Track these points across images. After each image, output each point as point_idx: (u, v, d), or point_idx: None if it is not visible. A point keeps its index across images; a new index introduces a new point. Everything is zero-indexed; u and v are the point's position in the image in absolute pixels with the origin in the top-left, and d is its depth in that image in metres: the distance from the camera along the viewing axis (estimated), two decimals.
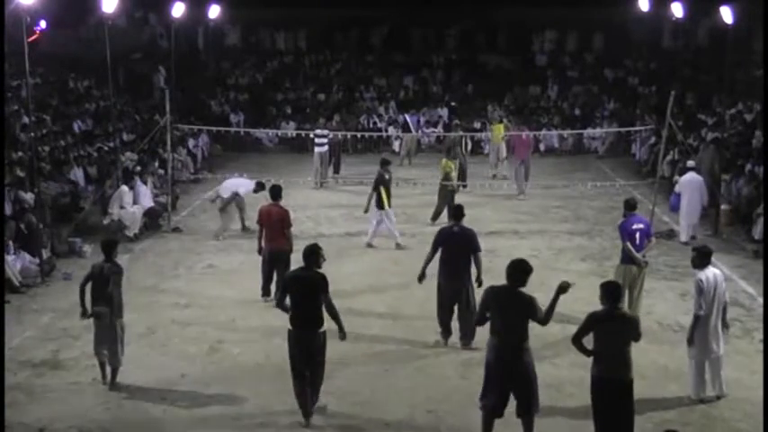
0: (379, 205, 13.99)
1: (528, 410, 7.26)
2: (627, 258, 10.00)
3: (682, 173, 15.39)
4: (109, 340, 8.49)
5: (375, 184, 14.09)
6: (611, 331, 7.00)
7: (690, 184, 14.37)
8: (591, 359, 7.07)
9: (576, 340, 7.11)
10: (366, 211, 14.27)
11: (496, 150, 20.85)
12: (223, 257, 13.58)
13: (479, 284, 9.38)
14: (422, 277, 9.80)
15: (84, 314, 8.56)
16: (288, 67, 30.99)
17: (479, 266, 9.60)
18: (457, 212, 10.07)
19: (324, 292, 7.78)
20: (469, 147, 21.67)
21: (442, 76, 30.07)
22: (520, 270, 7.28)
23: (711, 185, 15.30)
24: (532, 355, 7.30)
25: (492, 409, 7.31)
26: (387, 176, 14.33)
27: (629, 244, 9.93)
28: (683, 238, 14.36)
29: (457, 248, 9.61)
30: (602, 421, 7.08)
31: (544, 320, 7.23)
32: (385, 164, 14.59)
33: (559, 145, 25.42)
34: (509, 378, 7.22)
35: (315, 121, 25.11)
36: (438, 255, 9.74)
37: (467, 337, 9.62)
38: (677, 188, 14.78)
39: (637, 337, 7.06)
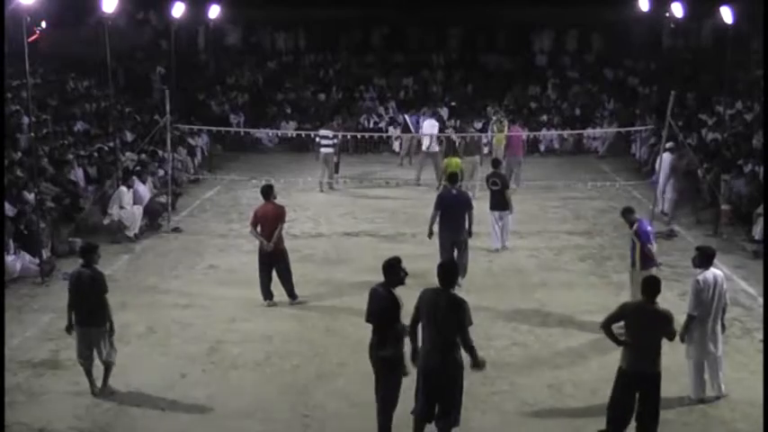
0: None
1: (445, 423, 6.99)
2: (649, 262, 9.79)
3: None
4: (96, 341, 8.32)
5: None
6: (642, 324, 7.08)
7: (663, 162, 15.56)
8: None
9: (606, 326, 7.26)
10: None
11: (500, 152, 20.91)
12: (223, 257, 13.59)
13: (470, 235, 11.72)
14: (431, 234, 11.78)
15: (69, 330, 8.46)
16: (288, 67, 31.00)
17: (471, 221, 11.65)
18: (452, 178, 12.15)
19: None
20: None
21: (442, 76, 30.08)
22: (452, 272, 7.08)
23: (688, 187, 15.38)
24: (462, 365, 6.94)
25: (419, 416, 7.07)
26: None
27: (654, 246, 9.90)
28: (659, 207, 15.45)
29: (455, 207, 11.57)
30: (616, 411, 7.20)
31: (467, 338, 6.81)
32: (497, 165, 14.65)
33: (559, 145, 25.44)
34: (434, 387, 6.92)
35: (315, 122, 25.14)
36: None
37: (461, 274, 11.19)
38: (656, 167, 15.68)
39: (670, 334, 7.18)
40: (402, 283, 7.28)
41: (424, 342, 6.96)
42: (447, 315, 6.84)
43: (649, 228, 10.09)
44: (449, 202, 11.62)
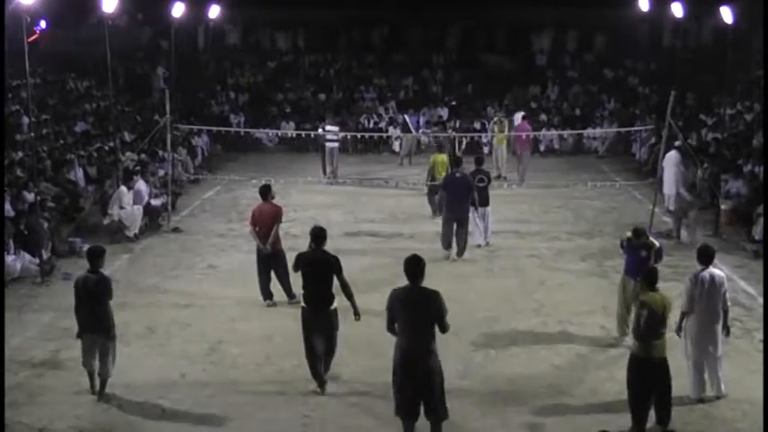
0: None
1: (435, 418, 7.01)
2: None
3: (668, 151, 15.60)
4: (99, 351, 8.25)
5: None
6: (643, 312, 7.41)
7: (669, 159, 15.50)
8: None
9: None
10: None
11: (500, 152, 20.99)
12: (223, 257, 13.59)
13: (476, 209, 13.32)
14: (436, 210, 14.05)
15: (79, 335, 8.38)
16: (288, 67, 30.98)
17: (475, 200, 13.19)
18: (458, 162, 13.83)
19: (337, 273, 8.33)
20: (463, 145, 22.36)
21: (442, 76, 30.07)
22: (421, 266, 6.98)
23: (690, 190, 15.31)
24: (438, 358, 6.97)
25: (405, 414, 7.05)
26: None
27: None
28: (665, 204, 15.76)
29: (460, 189, 13.03)
30: (632, 396, 7.52)
31: (445, 325, 6.92)
32: (480, 162, 14.83)
33: (559, 145, 25.44)
34: (415, 381, 6.92)
35: (315, 122, 25.16)
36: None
37: (460, 251, 13.18)
38: (663, 164, 15.48)
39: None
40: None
41: (400, 339, 6.99)
42: (423, 308, 6.88)
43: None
44: (454, 184, 13.17)
